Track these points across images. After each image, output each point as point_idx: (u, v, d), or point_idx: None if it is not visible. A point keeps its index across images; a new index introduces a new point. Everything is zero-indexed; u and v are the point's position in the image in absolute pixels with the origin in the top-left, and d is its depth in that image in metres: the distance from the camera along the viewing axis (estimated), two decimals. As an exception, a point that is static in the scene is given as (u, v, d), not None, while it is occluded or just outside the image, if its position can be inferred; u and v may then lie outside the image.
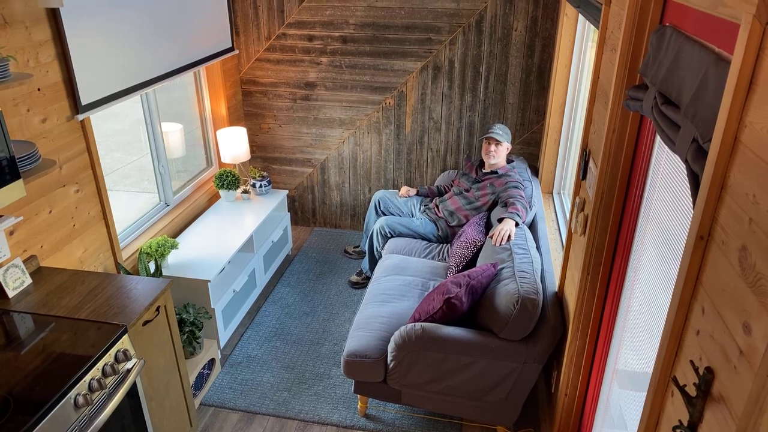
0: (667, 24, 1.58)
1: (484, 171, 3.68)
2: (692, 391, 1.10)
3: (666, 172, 1.60)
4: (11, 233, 2.29)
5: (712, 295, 1.05)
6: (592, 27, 3.11)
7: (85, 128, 2.66)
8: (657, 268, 1.62)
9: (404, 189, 4.07)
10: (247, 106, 4.51)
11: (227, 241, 3.51)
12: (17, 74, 2.10)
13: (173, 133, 3.85)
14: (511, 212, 3.20)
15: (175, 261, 3.29)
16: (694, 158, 1.14)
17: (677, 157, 1.47)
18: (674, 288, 1.19)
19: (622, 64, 1.83)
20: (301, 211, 4.85)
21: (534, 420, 2.94)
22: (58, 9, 2.42)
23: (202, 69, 4.04)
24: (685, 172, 1.31)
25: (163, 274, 3.17)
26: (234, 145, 4.06)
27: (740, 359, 0.93)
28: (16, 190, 1.89)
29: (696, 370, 1.07)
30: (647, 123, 1.81)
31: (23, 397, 1.71)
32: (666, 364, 1.22)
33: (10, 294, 2.21)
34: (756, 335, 0.88)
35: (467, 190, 3.69)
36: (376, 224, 3.82)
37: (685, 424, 1.11)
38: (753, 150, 0.93)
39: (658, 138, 1.72)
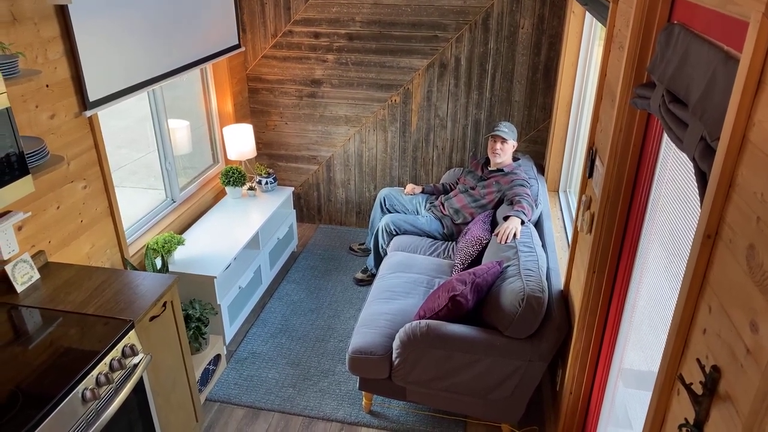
0: (675, 22, 1.58)
1: (489, 169, 3.68)
2: (698, 389, 1.10)
3: (673, 170, 1.60)
4: (20, 228, 2.30)
5: (719, 294, 1.05)
6: (600, 25, 3.10)
7: (92, 124, 2.67)
8: (664, 266, 1.62)
9: (409, 186, 4.07)
10: (254, 103, 4.52)
11: (233, 238, 3.52)
12: (26, 71, 2.12)
13: (180, 130, 3.87)
14: (517, 210, 3.19)
15: (182, 257, 3.31)
16: (702, 157, 1.14)
17: (684, 155, 1.47)
18: (681, 286, 1.18)
19: (629, 62, 1.82)
20: (307, 208, 4.85)
21: (539, 418, 2.95)
22: (67, 6, 2.43)
23: (208, 66, 4.05)
24: (693, 171, 1.30)
25: (170, 270, 3.19)
26: (240, 142, 4.08)
27: (747, 358, 0.93)
28: (25, 185, 1.91)
29: (702, 368, 1.07)
30: (654, 121, 1.81)
31: (32, 391, 1.72)
32: (672, 362, 1.22)
33: (19, 289, 2.23)
34: (763, 334, 0.88)
35: (473, 188, 3.69)
36: (382, 222, 3.82)
37: (691, 422, 1.11)
38: (761, 149, 0.92)
39: (665, 136, 1.71)
